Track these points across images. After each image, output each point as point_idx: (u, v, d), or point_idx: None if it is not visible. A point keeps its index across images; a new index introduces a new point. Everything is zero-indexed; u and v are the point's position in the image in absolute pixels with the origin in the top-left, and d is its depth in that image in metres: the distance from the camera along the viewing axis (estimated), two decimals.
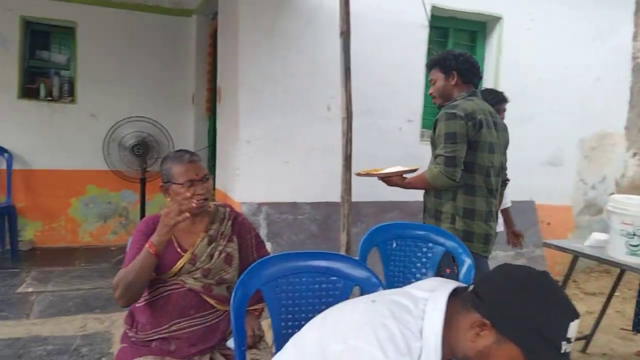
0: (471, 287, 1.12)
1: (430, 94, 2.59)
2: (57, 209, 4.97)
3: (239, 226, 1.98)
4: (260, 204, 3.52)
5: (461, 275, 2.09)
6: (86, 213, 5.08)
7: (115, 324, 3.15)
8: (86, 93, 4.98)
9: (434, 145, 2.43)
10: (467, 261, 2.10)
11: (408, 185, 2.51)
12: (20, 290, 3.77)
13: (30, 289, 3.78)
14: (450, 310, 1.09)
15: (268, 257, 1.63)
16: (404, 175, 2.53)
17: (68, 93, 5.01)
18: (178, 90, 5.31)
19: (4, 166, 4.65)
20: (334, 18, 3.11)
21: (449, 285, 1.16)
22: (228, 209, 2.02)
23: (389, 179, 2.54)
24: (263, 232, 3.46)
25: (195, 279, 1.84)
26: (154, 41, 5.17)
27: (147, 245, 1.68)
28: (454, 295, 1.12)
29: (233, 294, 1.51)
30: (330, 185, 3.56)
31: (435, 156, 2.38)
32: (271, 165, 3.57)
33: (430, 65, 2.58)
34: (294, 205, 3.61)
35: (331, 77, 3.56)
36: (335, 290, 1.67)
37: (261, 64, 3.47)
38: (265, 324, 2.46)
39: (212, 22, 4.95)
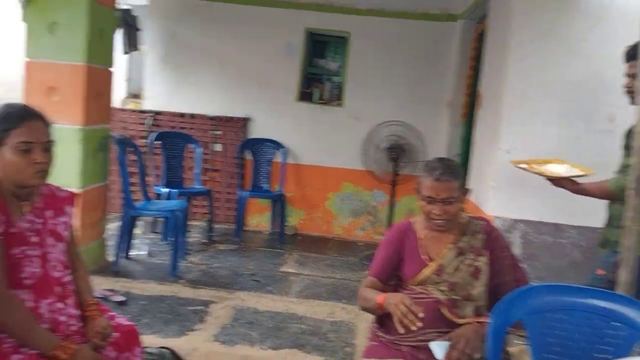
0: None
1: (630, 87, 2.20)
2: (317, 201, 5.52)
3: (492, 241, 1.86)
4: (515, 221, 3.25)
5: None
6: (341, 208, 5.51)
7: (359, 316, 3.30)
8: (352, 97, 5.39)
9: (627, 150, 2.15)
10: None
11: (582, 191, 2.31)
12: (282, 269, 4.29)
13: (291, 270, 4.27)
14: None
15: (536, 285, 1.46)
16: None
17: (336, 97, 5.50)
18: (434, 95, 5.33)
19: (280, 159, 5.37)
20: (631, 16, 2.66)
21: None
22: (483, 223, 1.92)
23: (557, 181, 2.35)
24: (517, 252, 3.18)
25: (441, 291, 1.79)
26: (416, 47, 5.29)
27: (380, 299, 1.70)
28: None
29: (491, 319, 1.40)
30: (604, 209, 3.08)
31: (625, 165, 2.14)
32: (531, 179, 3.25)
33: (635, 55, 2.14)
34: (555, 227, 3.23)
35: (617, 83, 3.06)
36: (617, 339, 1.40)
37: (532, 69, 3.19)
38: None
39: (478, 27, 4.80)
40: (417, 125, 4.91)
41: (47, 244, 1.64)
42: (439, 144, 5.20)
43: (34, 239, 1.60)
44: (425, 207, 1.80)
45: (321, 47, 5.64)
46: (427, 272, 1.81)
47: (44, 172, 1.59)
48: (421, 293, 1.82)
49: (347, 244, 5.28)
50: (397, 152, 4.70)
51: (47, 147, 1.59)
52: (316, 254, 4.81)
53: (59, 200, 1.75)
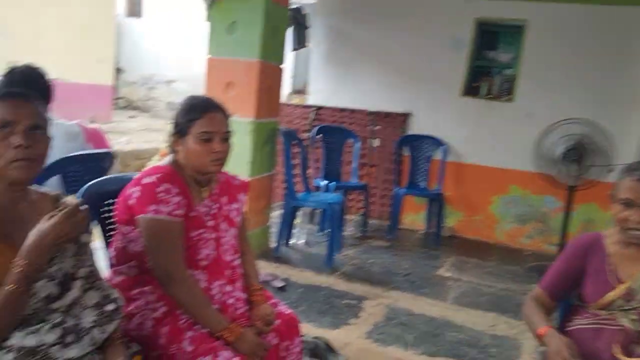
0: None
1: None
2: (479, 203, 5.18)
3: None
4: None
5: None
6: (505, 212, 5.10)
7: (525, 333, 2.99)
8: (525, 91, 4.93)
9: None
10: None
11: None
12: (439, 272, 4.09)
13: (448, 274, 4.06)
14: None
15: None
16: None
17: (507, 91, 5.09)
18: (625, 91, 4.64)
19: (439, 157, 5.14)
20: None
21: None
22: None
23: None
24: None
25: (632, 320, 1.53)
26: (605, 36, 4.64)
27: (541, 331, 1.58)
28: None
29: None
30: None
31: None
32: None
33: None
34: None
35: None
36: None
37: None
38: None
39: None
40: (602, 123, 4.30)
41: (221, 229, 1.73)
42: (628, 146, 4.50)
43: (210, 222, 1.69)
44: (622, 212, 1.55)
45: (491, 37, 5.24)
46: (612, 295, 1.57)
47: (222, 160, 1.67)
48: (607, 319, 1.58)
49: (510, 252, 4.87)
50: (579, 154, 4.16)
51: (225, 137, 1.67)
52: (476, 259, 4.50)
53: (234, 188, 1.84)
